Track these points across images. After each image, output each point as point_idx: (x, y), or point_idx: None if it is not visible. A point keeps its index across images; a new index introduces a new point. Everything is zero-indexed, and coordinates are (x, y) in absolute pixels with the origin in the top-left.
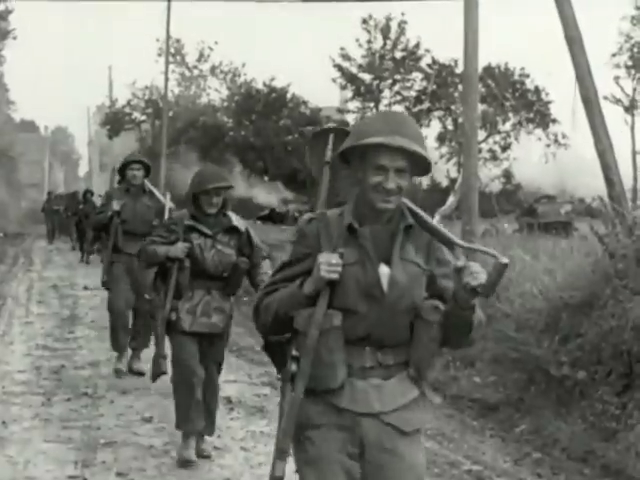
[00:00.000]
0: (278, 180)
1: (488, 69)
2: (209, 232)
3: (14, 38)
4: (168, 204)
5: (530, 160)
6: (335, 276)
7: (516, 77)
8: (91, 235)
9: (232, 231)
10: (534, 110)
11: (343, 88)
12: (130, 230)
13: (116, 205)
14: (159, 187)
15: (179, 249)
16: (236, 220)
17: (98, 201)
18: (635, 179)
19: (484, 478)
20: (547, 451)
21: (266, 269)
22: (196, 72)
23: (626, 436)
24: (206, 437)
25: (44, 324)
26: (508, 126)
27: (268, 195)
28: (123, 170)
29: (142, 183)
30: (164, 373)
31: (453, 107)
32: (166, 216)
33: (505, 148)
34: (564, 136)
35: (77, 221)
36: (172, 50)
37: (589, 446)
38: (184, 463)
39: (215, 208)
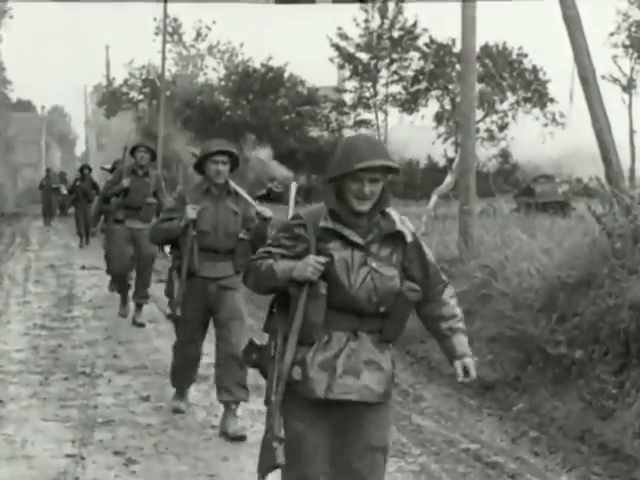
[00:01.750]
0: (276, 160)
1: (486, 48)
2: (359, 240)
3: (10, 17)
4: (292, 201)
5: (528, 139)
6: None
7: (514, 56)
8: (94, 213)
9: (395, 239)
10: (532, 89)
11: (341, 67)
12: (210, 246)
13: (191, 212)
14: (155, 167)
15: (310, 267)
16: (400, 223)
17: (98, 179)
18: (633, 158)
19: (481, 456)
20: (544, 430)
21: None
22: (193, 51)
23: (623, 415)
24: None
25: (41, 303)
26: (506, 105)
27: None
28: (201, 164)
29: (225, 181)
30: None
31: (451, 86)
32: (290, 214)
33: (503, 127)
34: (562, 115)
35: (74, 199)
36: (169, 29)
37: (586, 425)
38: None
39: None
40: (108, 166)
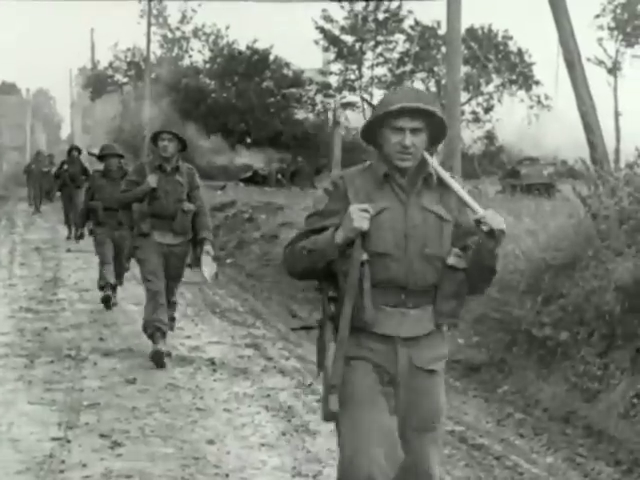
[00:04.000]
0: (261, 142)
1: (471, 31)
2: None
3: None
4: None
5: (513, 122)
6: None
7: (499, 39)
8: (81, 213)
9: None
10: (517, 72)
11: (325, 50)
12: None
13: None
14: (142, 150)
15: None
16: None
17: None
18: (618, 140)
19: (467, 438)
20: (529, 411)
21: None
22: (178, 34)
23: (608, 397)
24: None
25: (27, 286)
26: (491, 88)
27: (251, 156)
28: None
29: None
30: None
31: (436, 69)
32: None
33: (488, 110)
34: (547, 97)
35: (61, 184)
36: (154, 12)
37: (571, 406)
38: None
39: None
40: (96, 150)
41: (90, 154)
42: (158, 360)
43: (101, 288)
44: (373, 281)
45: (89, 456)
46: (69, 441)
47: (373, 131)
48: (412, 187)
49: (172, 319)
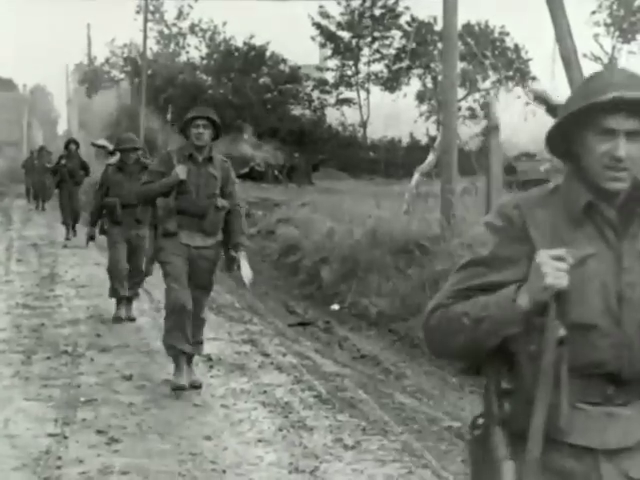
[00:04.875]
0: (257, 138)
1: (468, 27)
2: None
3: None
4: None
5: (509, 118)
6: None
7: (496, 35)
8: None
9: None
10: (514, 68)
11: (322, 46)
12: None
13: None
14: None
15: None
16: None
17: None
18: None
19: (464, 434)
20: None
21: None
22: (175, 30)
23: None
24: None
25: (24, 282)
26: (488, 84)
27: (251, 150)
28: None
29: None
30: None
31: (432, 65)
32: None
33: (484, 106)
34: None
35: (58, 181)
36: (151, 8)
37: None
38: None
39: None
40: (102, 142)
41: (95, 146)
42: (180, 392)
43: (116, 299)
44: (570, 367)
45: (86, 452)
46: (66, 437)
47: (567, 134)
48: (627, 223)
49: (199, 342)
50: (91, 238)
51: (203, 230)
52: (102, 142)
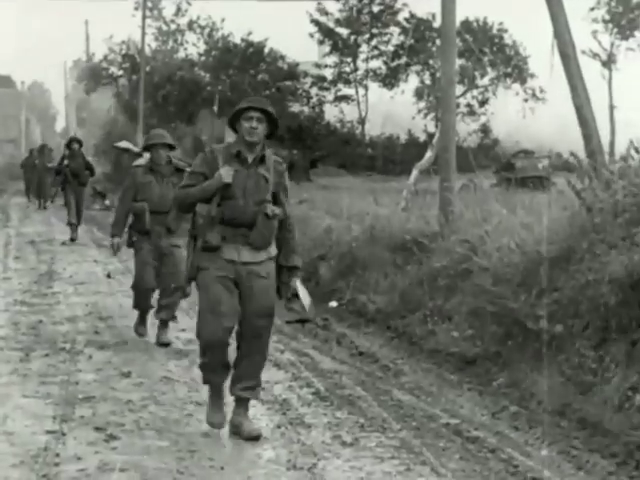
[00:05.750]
0: None
1: (466, 23)
2: None
3: None
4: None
5: (508, 115)
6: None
7: (494, 32)
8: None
9: None
10: (512, 65)
11: (320, 43)
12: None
13: (227, 175)
14: (136, 143)
15: None
16: None
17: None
18: (612, 133)
19: (462, 431)
20: (524, 404)
21: None
22: (173, 27)
23: (602, 389)
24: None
25: (22, 280)
26: (486, 81)
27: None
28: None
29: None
30: None
31: (431, 62)
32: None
33: (483, 103)
34: (542, 90)
35: (62, 181)
36: (149, 4)
37: (566, 399)
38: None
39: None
40: (125, 144)
41: (118, 149)
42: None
43: (140, 312)
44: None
45: (84, 449)
46: (64, 434)
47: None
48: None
49: (253, 387)
50: (118, 248)
51: (251, 243)
52: (125, 144)
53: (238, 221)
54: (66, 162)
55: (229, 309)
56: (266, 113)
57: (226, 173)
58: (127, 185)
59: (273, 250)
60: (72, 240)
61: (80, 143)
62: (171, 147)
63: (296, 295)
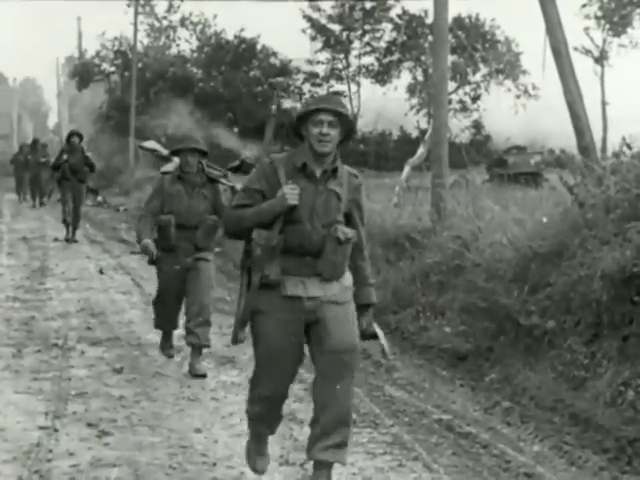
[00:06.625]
0: (248, 131)
1: (458, 20)
2: None
3: None
4: None
5: (500, 111)
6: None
7: (487, 28)
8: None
9: None
10: (504, 61)
11: (313, 39)
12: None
13: (292, 196)
14: (127, 141)
15: None
16: None
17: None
18: (604, 129)
19: (454, 427)
20: (516, 400)
21: None
22: (165, 23)
23: (594, 385)
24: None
25: (14, 276)
26: (478, 77)
27: (238, 142)
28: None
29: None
30: None
31: (423, 58)
32: None
33: (475, 99)
34: (534, 87)
35: (59, 178)
36: (141, 1)
37: (558, 395)
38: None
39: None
40: (152, 144)
41: (143, 149)
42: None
43: (163, 332)
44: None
45: (76, 445)
46: (56, 430)
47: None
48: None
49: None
50: (152, 262)
51: (318, 273)
52: (152, 145)
53: (303, 249)
54: (65, 157)
55: (293, 363)
56: (340, 115)
57: (291, 193)
58: (153, 193)
59: (347, 280)
60: (67, 241)
61: (80, 137)
62: (203, 153)
63: (374, 336)
